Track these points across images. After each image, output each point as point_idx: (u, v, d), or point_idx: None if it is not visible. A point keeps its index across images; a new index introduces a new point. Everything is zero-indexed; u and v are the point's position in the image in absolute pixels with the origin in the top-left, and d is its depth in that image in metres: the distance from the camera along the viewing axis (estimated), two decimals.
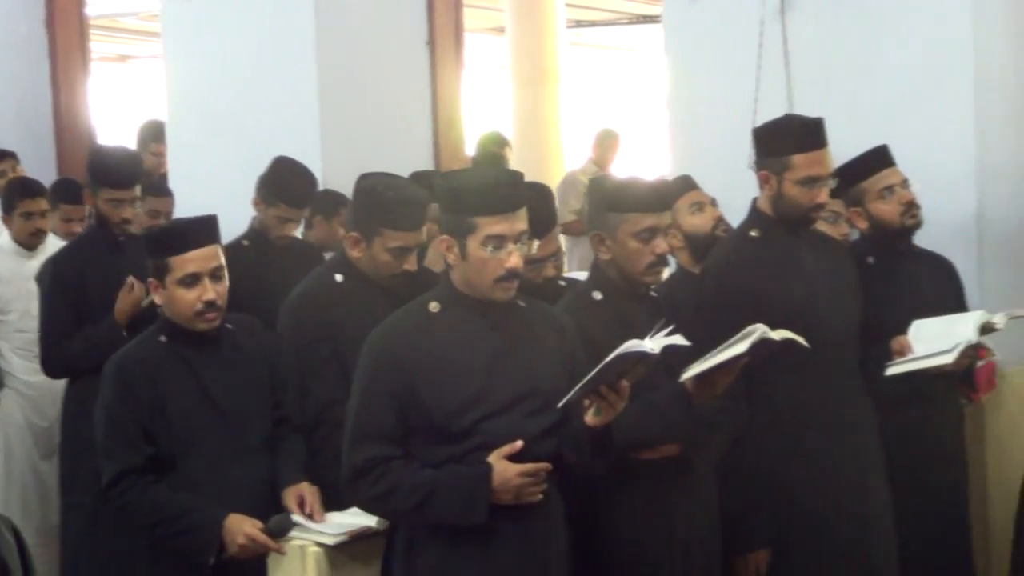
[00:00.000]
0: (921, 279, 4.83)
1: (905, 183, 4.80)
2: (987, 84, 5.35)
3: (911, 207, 4.79)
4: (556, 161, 11.29)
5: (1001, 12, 5.40)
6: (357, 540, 3.94)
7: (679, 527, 3.94)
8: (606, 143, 10.53)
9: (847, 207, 4.92)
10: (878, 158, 4.84)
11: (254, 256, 5.63)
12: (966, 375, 4.69)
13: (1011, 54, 5.43)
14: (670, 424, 3.81)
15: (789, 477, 4.34)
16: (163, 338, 4.20)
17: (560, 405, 3.55)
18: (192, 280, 4.11)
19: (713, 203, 5.05)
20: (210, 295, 4.12)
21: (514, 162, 10.47)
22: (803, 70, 5.71)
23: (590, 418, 3.53)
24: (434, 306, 3.69)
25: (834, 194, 5.06)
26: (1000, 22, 5.40)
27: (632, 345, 3.44)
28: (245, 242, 5.78)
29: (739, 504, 4.18)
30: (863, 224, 4.87)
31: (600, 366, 3.42)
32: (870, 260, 4.84)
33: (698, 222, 4.96)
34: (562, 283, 4.70)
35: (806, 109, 4.95)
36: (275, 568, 3.98)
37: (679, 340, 3.55)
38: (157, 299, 4.25)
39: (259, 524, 4.00)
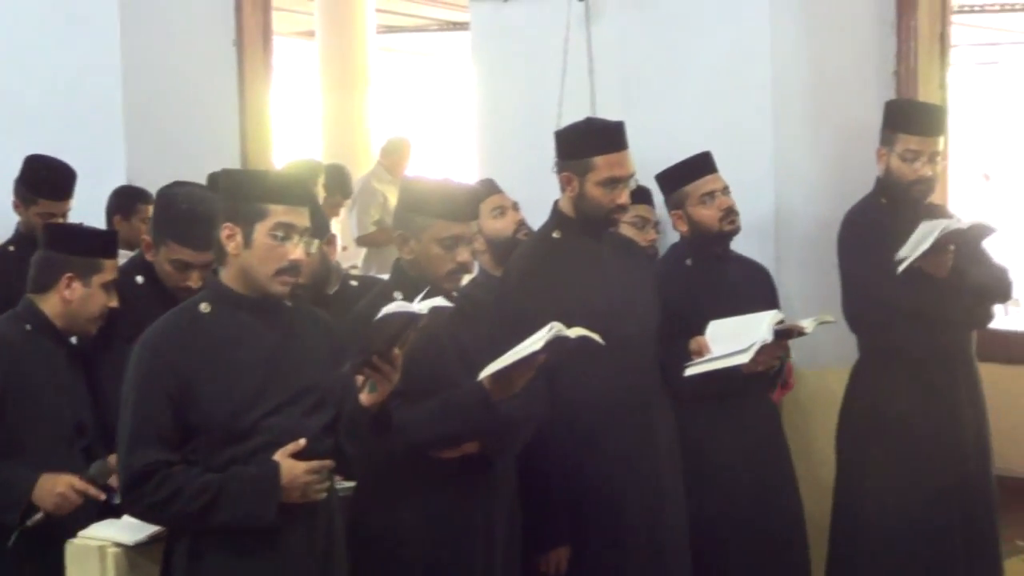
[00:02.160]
0: (737, 283, 4.94)
1: (726, 190, 4.91)
2: (784, 90, 5.50)
3: (730, 213, 4.91)
4: (365, 166, 11.25)
5: (797, 20, 5.55)
6: (156, 541, 3.87)
7: (479, 524, 3.97)
8: (396, 151, 10.52)
9: (669, 210, 5.02)
10: (701, 164, 4.95)
11: (18, 261, 5.30)
12: (778, 373, 4.86)
13: (807, 61, 5.58)
14: (469, 422, 3.83)
15: (587, 475, 4.40)
16: None
17: (339, 373, 3.56)
18: None
19: (515, 207, 5.11)
20: None
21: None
22: (606, 75, 5.81)
23: (365, 396, 3.53)
24: (204, 307, 3.65)
25: (638, 198, 5.19)
26: (796, 30, 5.55)
27: (398, 306, 3.46)
28: (11, 247, 5.64)
29: (540, 501, 4.22)
30: (683, 227, 4.96)
31: (367, 332, 3.42)
32: (688, 262, 4.95)
33: (500, 226, 5.02)
34: (353, 283, 4.73)
35: (609, 113, 5.03)
36: (73, 567, 3.91)
37: (444, 302, 3.56)
38: None
39: (75, 478, 3.97)
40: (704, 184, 4.90)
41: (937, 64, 6.03)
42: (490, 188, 5.09)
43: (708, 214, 4.89)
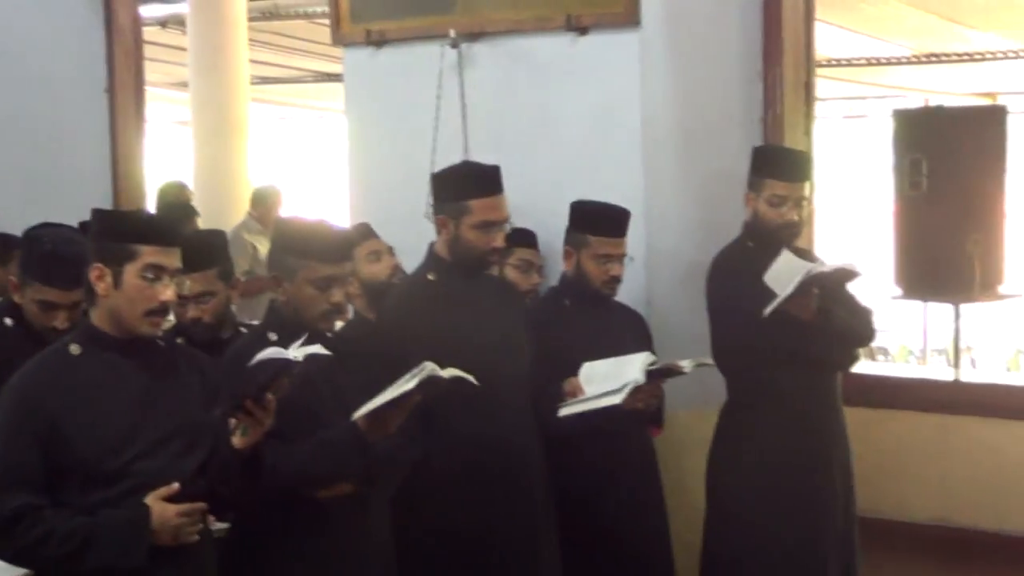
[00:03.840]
0: (613, 326, 5.00)
1: (621, 259, 4.99)
2: (654, 136, 5.59)
3: (614, 281, 4.99)
4: (240, 216, 11.19)
5: (666, 68, 5.65)
6: None
7: (354, 565, 3.96)
8: (266, 200, 10.48)
9: (565, 242, 5.05)
10: (614, 223, 5.00)
11: None
12: (655, 415, 4.93)
13: (676, 108, 5.68)
14: (344, 462, 3.84)
15: (464, 515, 4.42)
16: None
17: (212, 415, 3.54)
18: None
19: (390, 251, 5.14)
20: None
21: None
22: (480, 121, 5.87)
23: (237, 439, 3.52)
24: (74, 348, 3.62)
25: (522, 241, 5.24)
26: (665, 78, 5.65)
27: (273, 352, 3.47)
28: None
29: (415, 540, 4.23)
30: (570, 266, 5.02)
31: (242, 377, 3.43)
32: (566, 303, 5.01)
33: (376, 270, 5.03)
34: (244, 330, 4.72)
35: (483, 159, 5.08)
36: None
37: (320, 349, 3.58)
38: None
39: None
40: (607, 245, 4.96)
41: (802, 112, 6.18)
42: (365, 232, 5.11)
43: (595, 272, 4.96)
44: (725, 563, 5.19)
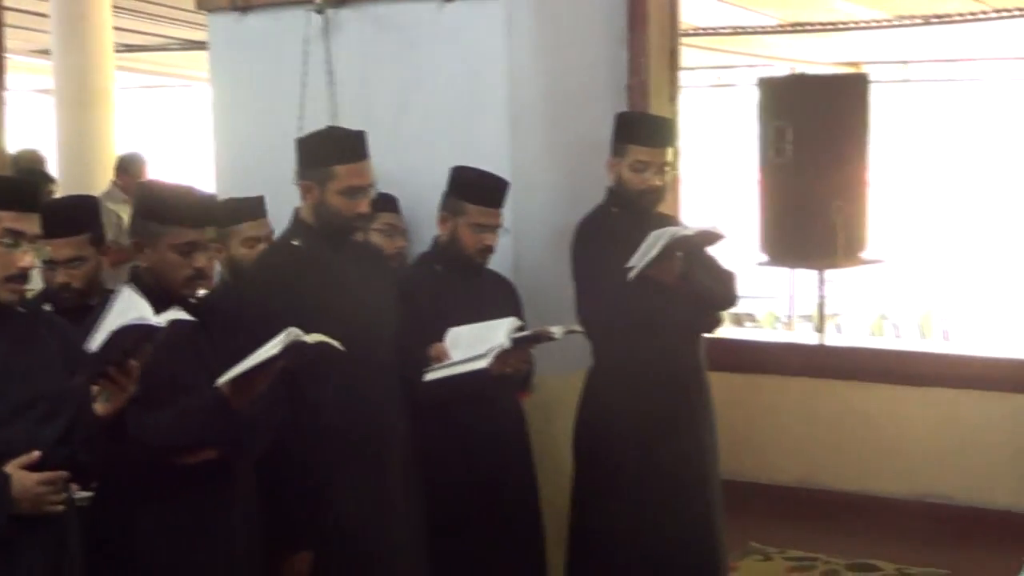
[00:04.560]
0: (484, 292, 5.00)
1: (496, 229, 4.97)
2: (520, 102, 5.60)
3: (487, 251, 4.97)
4: (106, 185, 11.03)
5: (532, 35, 5.66)
6: None
7: (218, 531, 3.93)
8: (132, 168, 10.33)
9: (440, 208, 5.02)
10: (491, 193, 4.97)
11: None
12: (524, 380, 4.95)
13: (542, 75, 5.69)
14: (207, 428, 3.80)
15: (330, 482, 4.41)
16: None
17: (74, 382, 3.49)
18: None
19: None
20: None
21: (62, 183, 10.27)
22: (347, 88, 5.83)
23: (100, 406, 3.48)
24: None
25: (384, 206, 5.23)
26: (531, 44, 5.66)
27: (136, 318, 3.42)
28: None
29: (281, 507, 4.21)
30: (444, 232, 5.00)
31: (103, 342, 3.38)
32: (438, 268, 5.00)
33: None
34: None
35: (350, 126, 5.03)
36: None
37: (183, 314, 3.56)
38: None
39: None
40: (484, 214, 4.95)
41: (667, 79, 6.23)
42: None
43: (470, 240, 4.95)
44: (593, 526, 5.24)
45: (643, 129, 5.22)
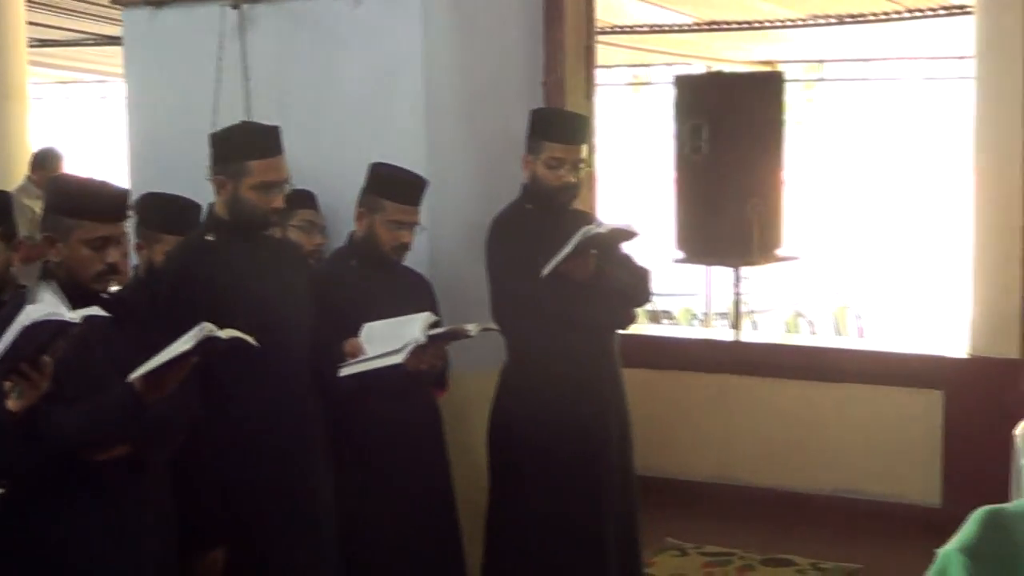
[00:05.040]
0: (398, 289, 4.99)
1: (412, 227, 4.95)
2: (436, 99, 5.61)
3: (402, 249, 4.96)
4: (20, 179, 10.89)
5: (449, 32, 5.68)
6: None
7: (131, 528, 3.90)
8: (47, 163, 10.22)
9: (359, 204, 4.99)
10: (409, 191, 4.95)
11: None
12: (439, 377, 4.96)
13: (459, 72, 5.71)
14: (119, 424, 3.76)
15: (244, 476, 4.39)
16: None
17: None
18: None
19: None
20: None
21: None
22: (262, 83, 5.81)
23: (12, 402, 3.44)
24: None
25: (303, 203, 5.20)
26: (448, 41, 5.67)
27: (50, 314, 3.39)
28: None
29: (194, 503, 4.18)
30: (361, 228, 4.98)
31: (11, 336, 3.35)
32: (353, 263, 4.98)
33: None
34: None
35: (265, 122, 5.03)
36: None
37: (98, 311, 3.52)
38: None
39: None
40: (402, 212, 4.93)
41: (583, 76, 6.25)
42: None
43: (386, 237, 4.93)
44: (508, 521, 5.25)
45: (558, 126, 5.24)
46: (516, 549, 5.23)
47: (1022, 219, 6.54)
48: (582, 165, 5.25)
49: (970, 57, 7.25)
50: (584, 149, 5.27)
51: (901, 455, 7.28)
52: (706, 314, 11.37)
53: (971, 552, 3.09)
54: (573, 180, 5.17)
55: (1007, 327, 6.79)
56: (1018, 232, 6.57)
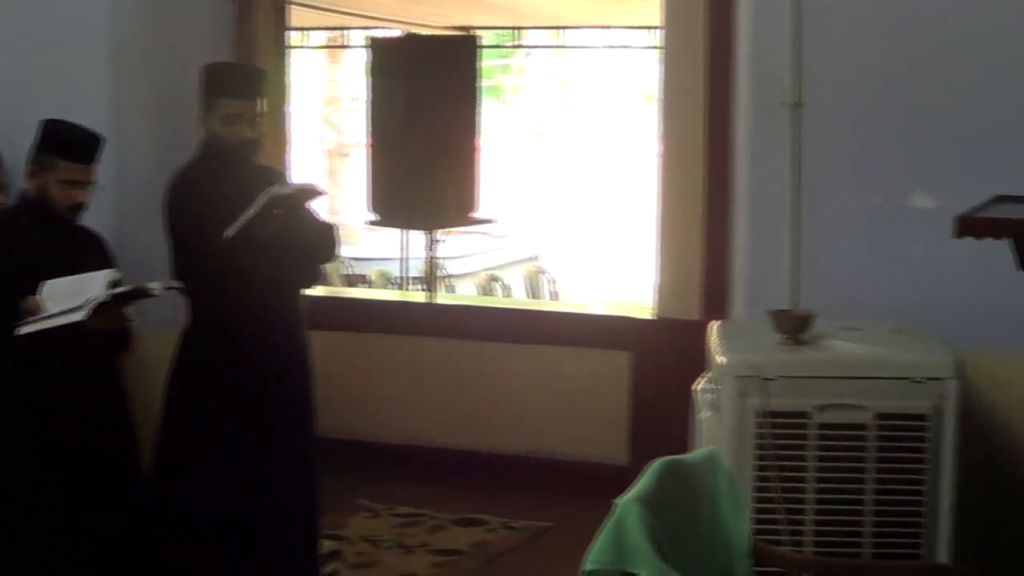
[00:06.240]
0: (73, 248, 4.85)
1: (87, 186, 4.81)
2: (122, 55, 5.49)
3: (77, 207, 4.83)
4: None
5: None
6: None
7: None
8: None
9: (27, 163, 4.84)
10: (81, 148, 4.81)
11: None
12: (123, 337, 4.84)
13: (145, 28, 5.59)
14: None
15: None
16: None
17: None
18: None
19: None
20: None
21: None
22: None
23: None
24: None
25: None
26: None
27: None
28: None
29: None
30: (33, 186, 4.82)
31: None
32: (24, 223, 4.83)
33: None
34: None
35: None
36: None
37: None
38: None
39: None
40: (76, 171, 4.79)
41: (273, 36, 6.16)
42: None
43: (60, 196, 4.80)
44: (181, 490, 5.13)
45: (232, 81, 5.10)
46: (187, 514, 5.10)
47: (702, 187, 6.72)
48: (259, 120, 5.14)
49: (658, 27, 7.42)
50: (261, 103, 5.15)
51: (591, 415, 7.42)
52: (402, 278, 11.40)
53: (647, 501, 3.20)
54: (252, 135, 5.06)
55: (689, 290, 6.98)
56: (699, 199, 6.75)
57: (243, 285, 4.98)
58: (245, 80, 5.17)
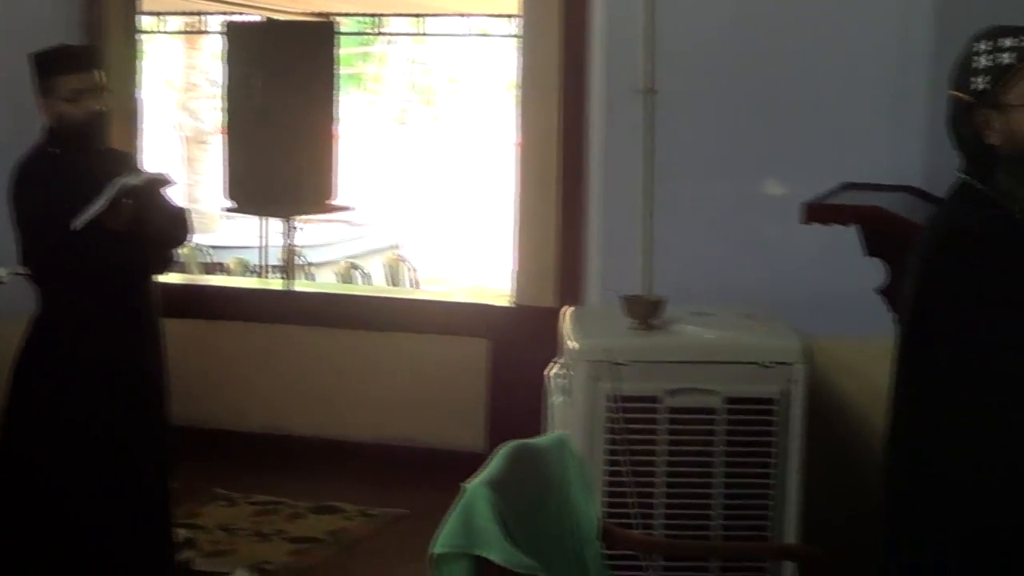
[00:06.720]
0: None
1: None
2: None
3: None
4: None
5: None
6: None
7: None
8: None
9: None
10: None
11: None
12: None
13: None
14: None
15: None
16: None
17: None
18: None
19: None
20: None
21: None
22: None
23: None
24: None
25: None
26: None
27: None
28: None
29: None
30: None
31: None
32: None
33: None
34: None
35: None
36: None
37: None
38: None
39: None
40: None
41: (123, 20, 6.07)
42: None
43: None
44: (18, 462, 5.04)
45: (64, 58, 5.02)
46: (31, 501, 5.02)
47: (557, 175, 6.75)
48: (104, 92, 5.05)
49: (516, 16, 7.43)
50: (100, 75, 5.06)
51: (449, 403, 7.42)
52: (260, 266, 11.30)
53: (496, 485, 3.21)
54: (98, 107, 4.98)
55: (546, 277, 7.01)
56: (553, 189, 6.79)
57: (93, 272, 4.92)
58: (77, 55, 5.12)
